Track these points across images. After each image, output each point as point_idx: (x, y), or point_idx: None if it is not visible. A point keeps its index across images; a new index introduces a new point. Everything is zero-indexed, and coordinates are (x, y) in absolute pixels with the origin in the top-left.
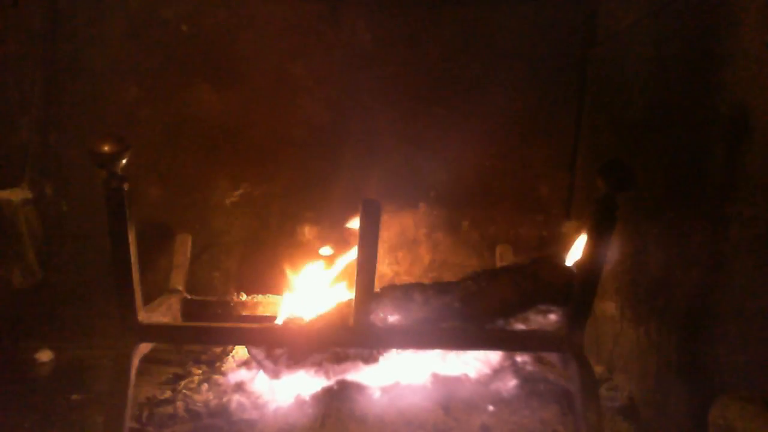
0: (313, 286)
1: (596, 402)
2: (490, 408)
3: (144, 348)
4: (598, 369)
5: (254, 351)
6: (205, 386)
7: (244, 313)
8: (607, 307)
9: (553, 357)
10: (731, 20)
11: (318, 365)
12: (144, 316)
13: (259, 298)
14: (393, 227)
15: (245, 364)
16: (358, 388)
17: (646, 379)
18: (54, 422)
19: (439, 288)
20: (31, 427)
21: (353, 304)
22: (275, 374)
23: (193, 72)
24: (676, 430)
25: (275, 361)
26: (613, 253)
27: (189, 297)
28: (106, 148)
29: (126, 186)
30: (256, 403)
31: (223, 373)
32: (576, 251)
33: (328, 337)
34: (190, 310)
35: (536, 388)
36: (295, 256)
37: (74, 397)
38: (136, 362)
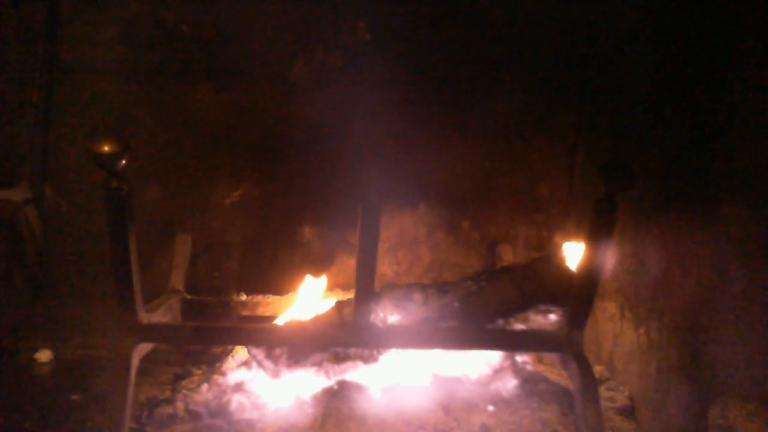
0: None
1: (596, 402)
2: (490, 408)
3: (144, 348)
4: (598, 369)
5: (254, 351)
6: (205, 386)
7: (244, 313)
8: (607, 307)
9: (553, 357)
10: (731, 20)
11: (318, 365)
12: (144, 316)
13: (259, 298)
14: (393, 227)
15: (245, 364)
16: (358, 388)
17: (646, 379)
18: (54, 422)
19: (439, 288)
20: (31, 427)
21: (353, 304)
22: (275, 374)
23: (193, 72)
24: (676, 430)
25: (275, 361)
26: (613, 253)
27: (189, 297)
28: (106, 148)
29: (126, 186)
30: (256, 403)
31: (223, 373)
32: (576, 251)
33: (328, 337)
34: (190, 310)
35: (536, 388)
36: (295, 256)
37: (74, 397)
38: (136, 362)
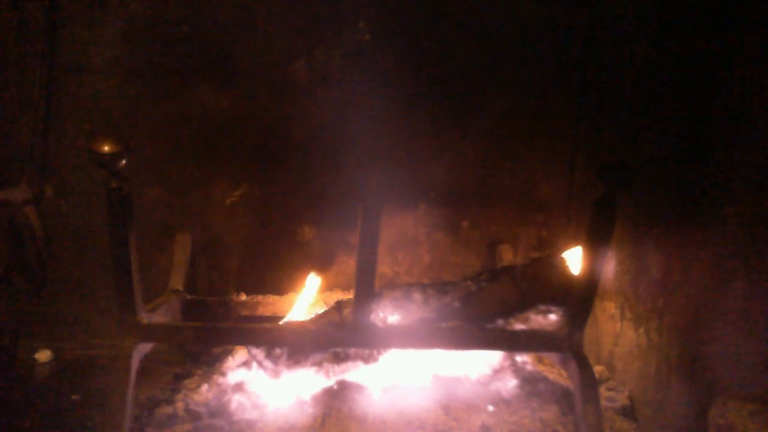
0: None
1: (596, 402)
2: (490, 408)
3: (144, 348)
4: (598, 369)
5: (254, 351)
6: (205, 386)
7: (244, 313)
8: (607, 307)
9: (553, 357)
10: (731, 20)
11: (318, 365)
12: (144, 316)
13: (259, 298)
14: (393, 227)
15: (245, 364)
16: (358, 388)
17: (646, 379)
18: (54, 422)
19: (439, 288)
20: (31, 427)
21: (353, 304)
22: (275, 374)
23: (193, 72)
24: (676, 430)
25: (275, 361)
26: (613, 253)
27: (189, 297)
28: (106, 148)
29: (126, 186)
30: (256, 403)
31: (223, 373)
32: (576, 251)
33: (328, 337)
34: (190, 310)
35: (536, 388)
36: (295, 256)
37: (74, 397)
38: (136, 362)
